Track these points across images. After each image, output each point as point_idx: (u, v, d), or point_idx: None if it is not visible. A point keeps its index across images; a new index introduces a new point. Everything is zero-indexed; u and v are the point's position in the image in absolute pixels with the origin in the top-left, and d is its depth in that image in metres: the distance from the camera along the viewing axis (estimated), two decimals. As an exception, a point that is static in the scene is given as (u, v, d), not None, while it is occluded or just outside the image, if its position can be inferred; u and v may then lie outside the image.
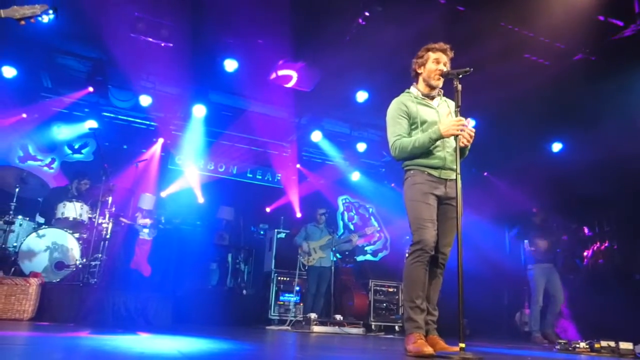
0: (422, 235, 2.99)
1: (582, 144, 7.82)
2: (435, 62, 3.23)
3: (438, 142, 3.13)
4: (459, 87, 2.98)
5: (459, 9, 5.79)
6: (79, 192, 6.44)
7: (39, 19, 3.31)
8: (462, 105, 2.99)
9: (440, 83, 3.26)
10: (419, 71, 3.32)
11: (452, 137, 3.17)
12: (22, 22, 3.25)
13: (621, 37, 5.84)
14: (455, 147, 3.01)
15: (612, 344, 4.52)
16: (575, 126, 7.56)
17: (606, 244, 6.87)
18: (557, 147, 8.57)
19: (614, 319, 5.61)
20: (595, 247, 7.62)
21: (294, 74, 7.43)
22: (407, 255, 3.10)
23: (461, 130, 2.98)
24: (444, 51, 3.24)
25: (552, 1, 5.57)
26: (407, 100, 3.25)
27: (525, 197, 8.88)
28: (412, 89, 3.35)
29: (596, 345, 4.58)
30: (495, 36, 5.99)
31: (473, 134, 3.09)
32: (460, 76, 3.00)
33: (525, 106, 7.24)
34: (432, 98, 3.29)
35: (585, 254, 7.79)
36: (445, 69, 3.19)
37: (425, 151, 3.11)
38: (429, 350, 2.78)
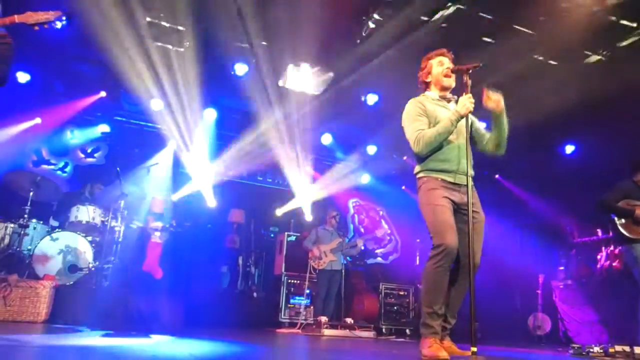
0: (444, 238, 2.89)
1: (595, 145, 7.74)
2: (439, 64, 3.25)
3: (453, 145, 3.11)
4: (469, 82, 2.97)
5: (469, 11, 5.77)
6: (92, 195, 6.51)
7: (53, 25, 3.36)
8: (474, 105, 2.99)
9: (452, 82, 3.24)
10: (427, 79, 3.32)
11: (465, 141, 3.12)
12: (36, 28, 3.31)
13: (633, 39, 5.80)
14: (467, 151, 3.00)
15: (627, 348, 4.45)
16: (587, 128, 7.49)
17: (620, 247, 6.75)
18: (569, 149, 8.50)
19: (629, 323, 5.53)
20: (609, 250, 7.52)
21: (304, 77, 7.46)
22: (428, 259, 2.98)
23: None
24: (442, 54, 3.27)
25: (562, 2, 5.54)
26: (425, 101, 3.23)
27: (537, 199, 8.82)
28: (427, 92, 3.35)
29: (611, 350, 4.51)
30: (505, 37, 5.97)
31: (499, 100, 3.07)
32: (470, 71, 2.99)
33: (537, 108, 7.19)
34: (449, 101, 3.28)
35: (599, 257, 7.69)
36: (452, 66, 3.19)
37: (440, 153, 3.09)
38: (444, 355, 2.74)
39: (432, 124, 3.12)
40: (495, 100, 3.08)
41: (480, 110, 3.13)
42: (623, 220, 5.00)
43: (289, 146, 9.84)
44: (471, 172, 3.08)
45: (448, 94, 3.30)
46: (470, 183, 2.98)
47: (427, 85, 3.35)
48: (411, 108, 3.23)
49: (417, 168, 3.22)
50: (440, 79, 3.24)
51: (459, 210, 3.07)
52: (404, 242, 10.59)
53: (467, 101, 2.96)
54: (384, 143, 9.60)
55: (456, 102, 3.27)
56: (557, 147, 8.55)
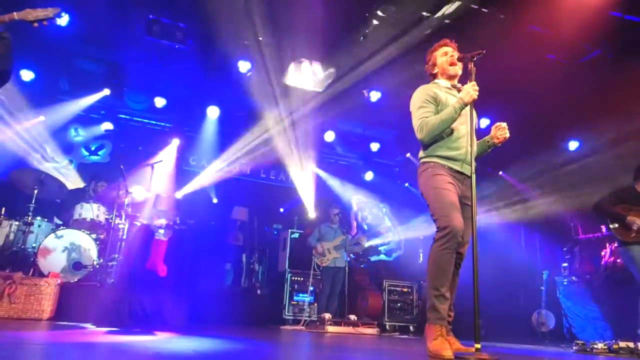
0: (450, 220, 2.88)
1: (599, 142, 7.71)
2: (444, 54, 3.27)
3: (463, 133, 3.12)
4: (474, 69, 2.99)
5: (476, 8, 5.75)
6: (96, 193, 6.54)
7: (52, 21, 3.37)
8: (477, 102, 3.00)
9: (458, 69, 3.25)
10: (434, 71, 3.33)
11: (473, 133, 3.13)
12: (35, 24, 3.30)
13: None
14: (470, 138, 3.02)
15: (631, 344, 4.45)
16: (591, 124, 7.46)
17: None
18: (573, 145, 8.47)
19: (633, 319, 5.51)
20: (612, 246, 7.48)
21: (307, 74, 7.45)
22: (433, 241, 2.99)
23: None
24: (445, 44, 3.29)
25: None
26: (436, 88, 3.23)
27: (541, 196, 8.79)
28: (437, 80, 3.34)
29: (614, 346, 4.51)
30: (509, 34, 5.94)
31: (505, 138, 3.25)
32: (475, 59, 3.00)
33: (541, 104, 7.17)
34: (459, 91, 3.25)
35: (602, 253, 7.66)
36: (457, 54, 3.20)
37: (449, 140, 3.10)
38: (448, 355, 2.69)
39: None
40: (504, 138, 3.22)
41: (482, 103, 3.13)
42: (616, 225, 4.99)
43: (292, 143, 9.84)
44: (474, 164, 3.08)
45: (457, 84, 3.29)
46: (474, 179, 2.97)
47: (434, 77, 3.36)
48: (419, 94, 3.22)
49: (422, 153, 3.20)
50: (445, 67, 3.25)
51: (460, 201, 3.07)
52: (407, 239, 10.57)
53: (471, 89, 2.97)
54: (387, 140, 9.59)
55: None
56: (561, 143, 8.53)
